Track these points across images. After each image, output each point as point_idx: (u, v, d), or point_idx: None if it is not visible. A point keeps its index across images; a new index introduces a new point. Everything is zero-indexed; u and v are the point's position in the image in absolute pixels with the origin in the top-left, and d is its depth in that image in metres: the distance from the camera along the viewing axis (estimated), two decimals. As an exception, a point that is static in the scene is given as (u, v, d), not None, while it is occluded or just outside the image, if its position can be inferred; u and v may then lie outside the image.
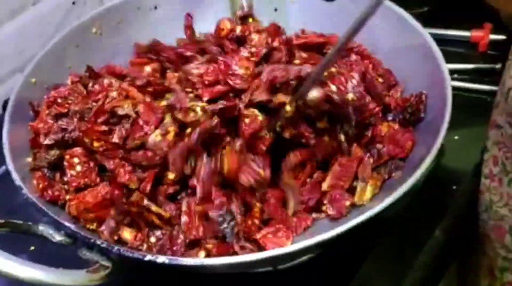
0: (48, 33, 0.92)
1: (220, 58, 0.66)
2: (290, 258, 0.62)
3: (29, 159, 0.66)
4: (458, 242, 0.78)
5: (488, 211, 0.72)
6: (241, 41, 0.74)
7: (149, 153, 0.62)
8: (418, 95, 0.69)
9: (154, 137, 0.62)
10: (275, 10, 0.84)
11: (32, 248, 0.70)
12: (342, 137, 0.65)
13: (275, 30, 0.75)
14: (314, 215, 0.64)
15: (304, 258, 0.65)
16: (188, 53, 0.73)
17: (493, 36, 0.92)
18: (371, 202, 0.63)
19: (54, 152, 0.65)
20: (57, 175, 0.65)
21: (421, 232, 0.71)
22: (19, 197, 0.60)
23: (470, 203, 0.76)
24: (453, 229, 0.73)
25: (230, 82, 0.64)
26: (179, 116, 0.61)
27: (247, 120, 0.62)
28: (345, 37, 0.56)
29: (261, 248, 0.59)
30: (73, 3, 0.95)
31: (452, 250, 0.76)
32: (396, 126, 0.69)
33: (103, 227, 0.58)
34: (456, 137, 0.80)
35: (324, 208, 0.64)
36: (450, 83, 0.65)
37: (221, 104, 0.62)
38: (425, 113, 0.68)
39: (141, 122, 0.63)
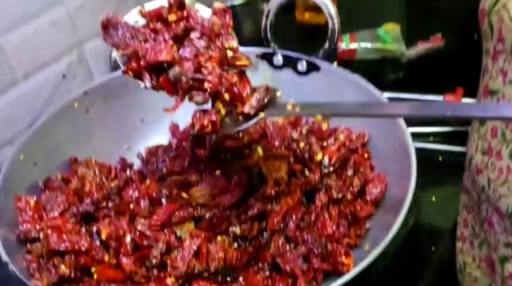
0: (37, 107, 0.94)
1: None
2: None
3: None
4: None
5: (463, 273, 0.73)
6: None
7: None
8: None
9: None
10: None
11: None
12: None
13: None
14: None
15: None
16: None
17: (465, 100, 0.95)
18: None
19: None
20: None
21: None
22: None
23: (448, 264, 0.77)
24: (433, 291, 0.74)
25: None
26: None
27: None
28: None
29: None
30: (63, 76, 0.98)
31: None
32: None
33: None
34: (433, 198, 0.83)
35: None
36: (413, 145, 0.69)
37: None
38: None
39: None
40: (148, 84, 0.61)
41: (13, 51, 0.89)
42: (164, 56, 0.59)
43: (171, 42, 0.61)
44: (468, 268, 0.72)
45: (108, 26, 0.62)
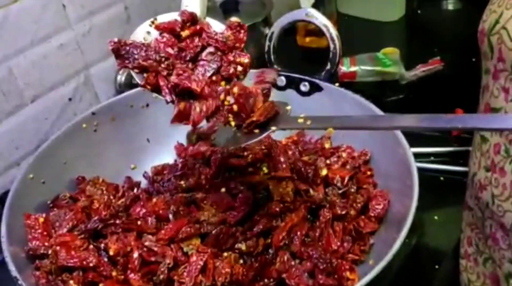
0: (44, 129, 0.96)
1: None
2: None
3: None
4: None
5: (467, 290, 0.73)
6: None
7: None
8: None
9: None
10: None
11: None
12: None
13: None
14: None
15: None
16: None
17: (464, 121, 0.97)
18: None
19: None
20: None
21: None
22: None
23: (452, 282, 0.77)
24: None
25: None
26: None
27: None
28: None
29: None
30: (70, 99, 1.00)
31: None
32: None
33: None
34: (435, 217, 0.84)
35: None
36: (415, 164, 0.70)
37: None
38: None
39: None
40: (169, 99, 0.62)
41: (21, 74, 0.91)
42: (195, 86, 0.61)
43: (208, 74, 0.62)
44: (472, 285, 0.72)
45: (120, 51, 0.63)
